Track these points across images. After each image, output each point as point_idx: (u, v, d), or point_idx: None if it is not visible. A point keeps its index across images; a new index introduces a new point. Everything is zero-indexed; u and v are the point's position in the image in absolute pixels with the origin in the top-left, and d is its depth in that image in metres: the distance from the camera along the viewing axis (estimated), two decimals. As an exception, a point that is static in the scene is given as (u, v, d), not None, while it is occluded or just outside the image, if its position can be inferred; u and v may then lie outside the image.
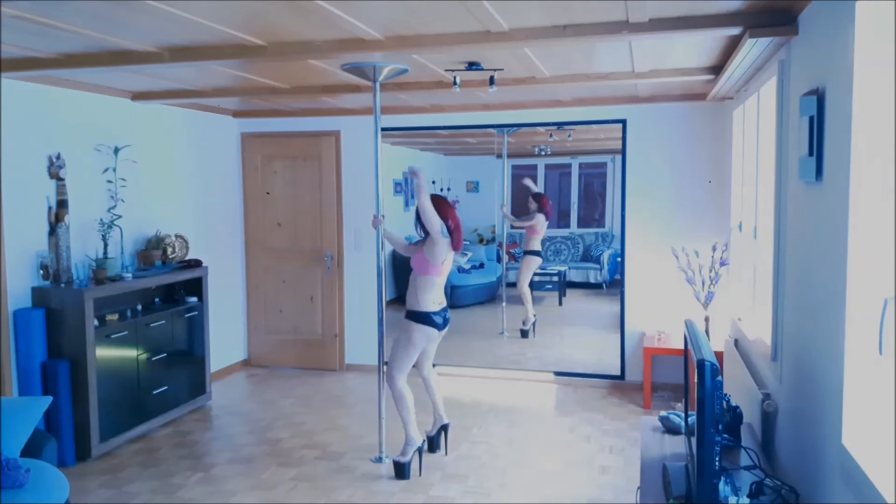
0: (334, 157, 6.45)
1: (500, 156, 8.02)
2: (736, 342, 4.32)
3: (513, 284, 8.31)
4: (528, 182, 8.08)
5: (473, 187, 11.03)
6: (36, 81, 4.41)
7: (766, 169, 3.59)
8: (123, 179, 5.07)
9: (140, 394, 4.85)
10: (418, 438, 4.24)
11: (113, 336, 4.59)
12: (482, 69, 4.16)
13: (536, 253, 7.79)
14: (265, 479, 4.17)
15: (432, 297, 4.20)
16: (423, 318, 4.18)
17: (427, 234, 4.17)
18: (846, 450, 1.92)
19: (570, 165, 10.83)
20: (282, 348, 6.71)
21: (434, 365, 6.33)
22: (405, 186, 9.80)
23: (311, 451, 4.61)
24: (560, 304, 9.38)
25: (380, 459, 4.40)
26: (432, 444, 4.53)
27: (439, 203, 4.19)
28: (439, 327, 4.25)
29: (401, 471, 4.16)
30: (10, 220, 4.29)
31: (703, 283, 5.23)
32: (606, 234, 10.56)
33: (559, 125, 6.22)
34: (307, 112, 6.34)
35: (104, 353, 4.50)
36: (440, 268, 4.18)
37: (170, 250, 5.41)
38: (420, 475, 4.18)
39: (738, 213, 4.87)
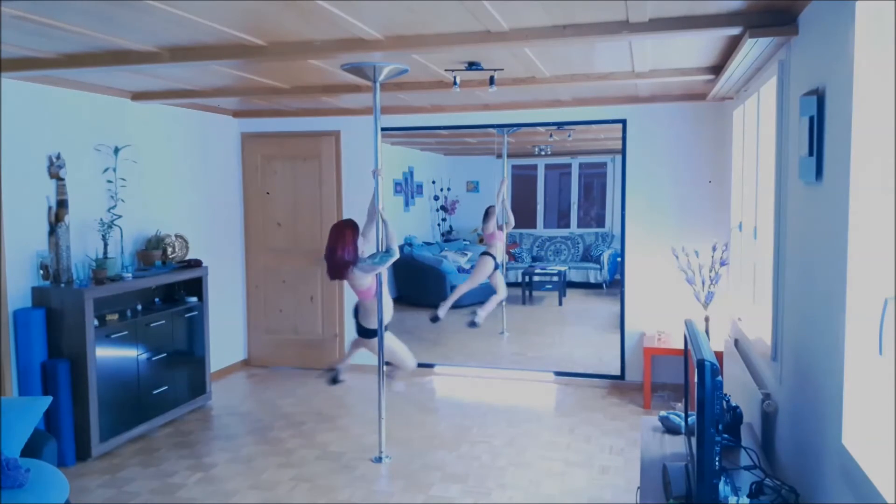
0: (334, 156, 6.45)
1: (500, 156, 8.01)
2: (736, 342, 4.32)
3: (512, 284, 8.31)
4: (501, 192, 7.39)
5: (473, 187, 11.04)
6: (36, 81, 4.41)
7: (766, 169, 3.59)
8: (123, 179, 5.07)
9: (140, 394, 4.85)
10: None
11: (113, 336, 4.59)
12: (482, 69, 4.16)
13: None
14: (265, 479, 4.18)
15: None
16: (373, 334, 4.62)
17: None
18: (846, 450, 1.92)
19: (570, 165, 10.84)
20: (282, 348, 6.71)
21: (433, 365, 6.40)
22: (405, 186, 9.81)
23: (311, 451, 4.61)
24: (560, 304, 9.39)
25: (380, 459, 4.40)
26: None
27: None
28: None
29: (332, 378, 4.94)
30: (10, 220, 4.29)
31: (703, 283, 5.23)
32: (606, 234, 10.56)
33: (559, 125, 6.22)
34: (307, 112, 6.34)
35: (104, 353, 4.50)
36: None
37: (170, 250, 5.41)
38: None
39: (738, 213, 4.87)
